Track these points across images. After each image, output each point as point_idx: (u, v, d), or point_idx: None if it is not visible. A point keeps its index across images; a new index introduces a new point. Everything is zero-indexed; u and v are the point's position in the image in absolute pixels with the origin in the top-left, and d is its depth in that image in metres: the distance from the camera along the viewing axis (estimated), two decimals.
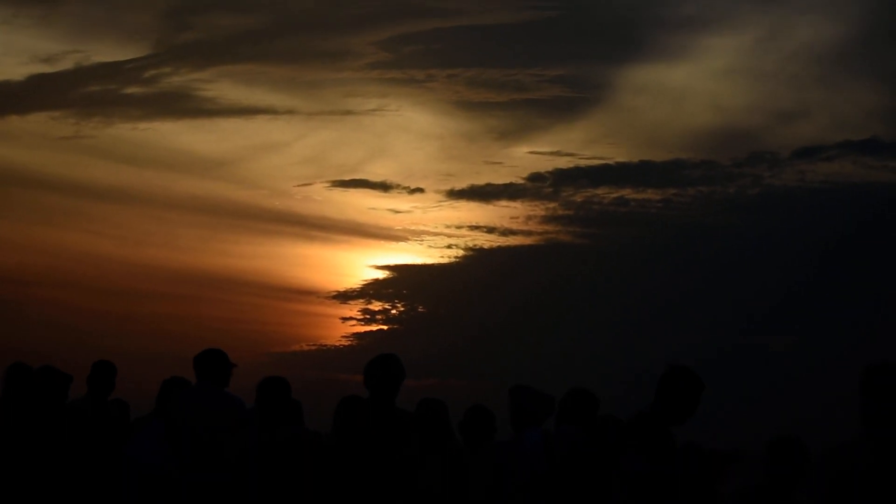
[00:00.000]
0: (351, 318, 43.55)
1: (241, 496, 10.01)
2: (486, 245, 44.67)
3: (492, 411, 9.73)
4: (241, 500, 9.99)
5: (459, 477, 9.26)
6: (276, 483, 9.96)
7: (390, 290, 44.22)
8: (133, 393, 11.21)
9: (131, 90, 44.92)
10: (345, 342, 43.19)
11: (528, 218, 44.61)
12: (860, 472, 6.67)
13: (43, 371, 11.56)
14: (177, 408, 10.24)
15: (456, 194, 45.07)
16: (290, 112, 46.70)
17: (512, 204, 44.69)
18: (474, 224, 44.90)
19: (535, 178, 44.85)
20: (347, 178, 45.97)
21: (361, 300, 43.71)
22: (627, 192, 44.12)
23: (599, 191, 44.17)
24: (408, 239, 45.42)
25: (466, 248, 44.69)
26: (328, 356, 42.54)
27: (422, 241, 45.09)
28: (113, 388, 11.53)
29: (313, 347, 43.81)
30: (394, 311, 43.78)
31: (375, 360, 9.25)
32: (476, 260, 44.61)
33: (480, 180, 45.09)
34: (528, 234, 44.81)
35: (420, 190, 45.39)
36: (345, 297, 44.04)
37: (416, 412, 9.52)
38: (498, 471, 9.15)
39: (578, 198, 44.44)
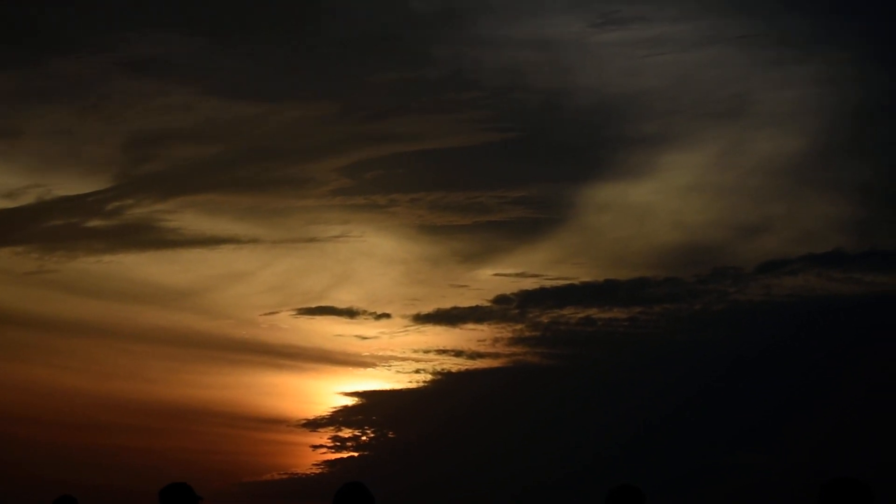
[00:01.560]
0: (321, 446, 43.33)
1: None
2: (454, 369, 44.64)
3: None
4: None
5: None
6: None
7: (360, 417, 44.05)
8: None
9: (94, 223, 45.04)
10: (316, 470, 42.93)
11: (496, 340, 44.65)
12: None
13: None
14: None
15: (422, 318, 45.12)
16: (253, 241, 46.84)
17: (479, 327, 44.75)
18: (442, 348, 44.90)
19: (501, 300, 44.99)
20: (313, 305, 46.00)
21: (331, 427, 43.51)
22: (594, 312, 44.26)
23: (565, 311, 44.31)
24: (376, 365, 45.35)
25: (434, 373, 44.64)
26: (300, 485, 42.23)
27: (390, 366, 45.03)
28: None
29: (285, 476, 43.50)
30: (364, 438, 43.58)
31: (343, 490, 9.21)
32: (444, 384, 44.54)
33: (446, 304, 45.19)
34: (495, 356, 44.81)
35: (386, 315, 45.43)
36: (315, 424, 43.84)
37: None
38: None
39: (545, 318, 44.56)
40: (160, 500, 10.24)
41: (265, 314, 45.31)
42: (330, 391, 45.40)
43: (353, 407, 44.26)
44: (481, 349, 44.60)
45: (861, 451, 37.12)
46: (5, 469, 38.35)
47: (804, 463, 38.81)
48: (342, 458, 42.70)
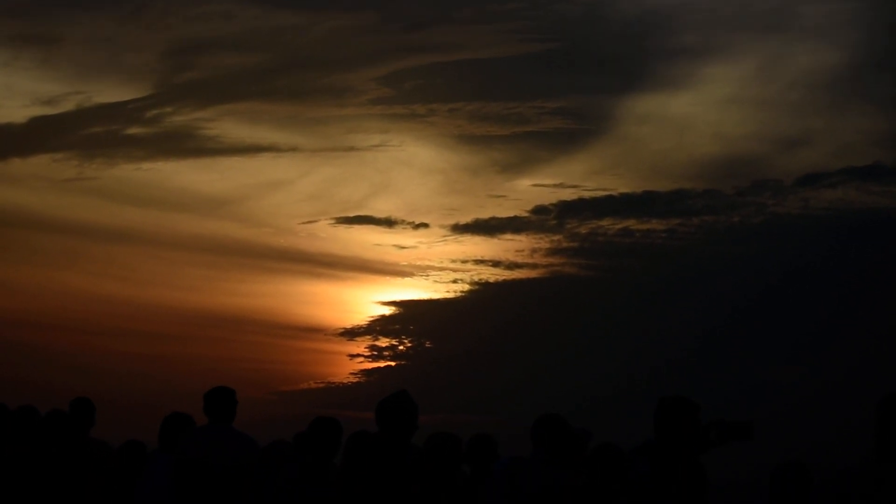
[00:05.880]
0: (358, 355, 43.56)
1: None
2: (492, 279, 44.79)
3: (493, 438, 9.77)
4: None
5: None
6: None
7: (397, 326, 44.31)
8: (140, 431, 11.15)
9: (133, 130, 45.17)
10: (353, 379, 43.18)
11: (533, 251, 44.75)
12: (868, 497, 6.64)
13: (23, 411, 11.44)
14: (190, 446, 10.19)
15: (460, 228, 45.22)
16: (293, 149, 46.94)
17: (516, 237, 44.85)
18: (479, 258, 45.02)
19: (540, 210, 45.01)
20: (352, 214, 46.17)
21: (369, 337, 43.76)
22: (632, 223, 44.29)
23: (604, 222, 44.34)
24: (413, 274, 45.54)
25: (472, 283, 44.77)
26: (336, 393, 42.54)
27: (427, 276, 45.21)
28: (93, 424, 11.30)
29: (321, 385, 43.84)
30: (401, 347, 43.82)
31: (388, 398, 9.27)
32: (482, 294, 44.71)
33: (485, 214, 45.28)
34: (533, 266, 44.92)
35: (424, 225, 45.54)
36: (352, 333, 44.11)
37: (425, 447, 9.53)
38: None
39: (583, 230, 44.59)
40: (205, 403, 10.30)
41: (303, 223, 45.55)
42: (367, 300, 45.64)
43: (391, 316, 44.52)
44: (519, 259, 44.73)
45: None
46: (43, 373, 38.79)
47: (843, 377, 38.82)
48: (379, 368, 42.94)
